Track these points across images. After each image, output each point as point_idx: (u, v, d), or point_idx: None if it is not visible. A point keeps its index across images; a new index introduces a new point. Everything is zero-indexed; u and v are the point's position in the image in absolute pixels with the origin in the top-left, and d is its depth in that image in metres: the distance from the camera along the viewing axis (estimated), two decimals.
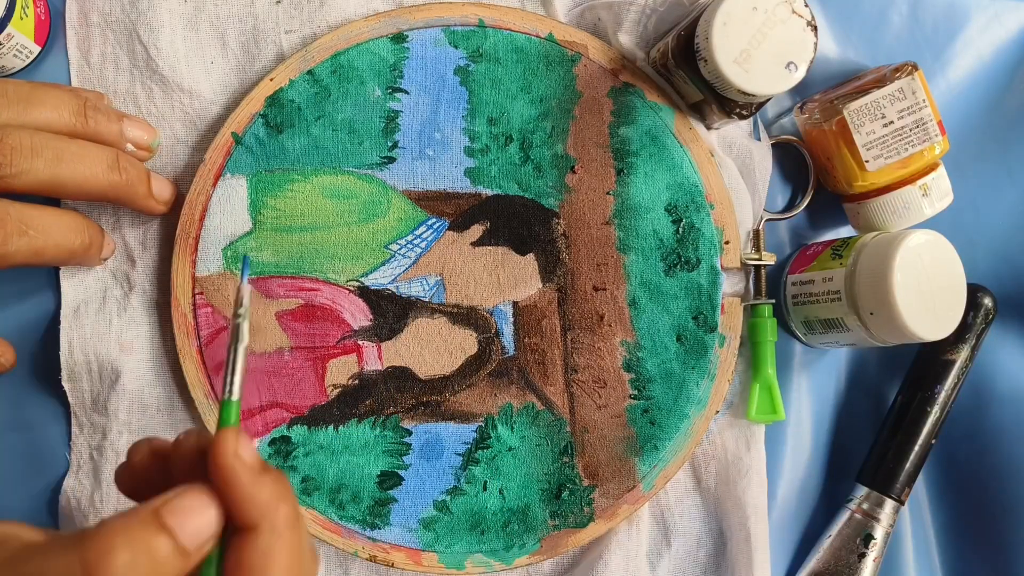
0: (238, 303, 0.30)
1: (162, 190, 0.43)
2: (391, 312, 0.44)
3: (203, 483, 0.28)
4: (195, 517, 0.27)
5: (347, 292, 0.44)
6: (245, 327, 0.30)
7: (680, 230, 0.46)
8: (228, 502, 0.28)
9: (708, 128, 0.46)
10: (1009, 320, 0.49)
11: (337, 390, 0.44)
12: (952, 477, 0.50)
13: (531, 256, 0.45)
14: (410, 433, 0.44)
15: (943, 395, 0.47)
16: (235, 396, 0.29)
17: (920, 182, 0.44)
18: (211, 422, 0.43)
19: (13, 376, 0.44)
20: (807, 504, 0.49)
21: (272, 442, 0.44)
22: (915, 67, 0.44)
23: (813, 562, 0.47)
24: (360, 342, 0.44)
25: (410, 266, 0.44)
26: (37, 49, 0.43)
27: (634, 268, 0.45)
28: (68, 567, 0.26)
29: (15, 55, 0.42)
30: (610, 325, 0.45)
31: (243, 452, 0.28)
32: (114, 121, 0.41)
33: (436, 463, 0.44)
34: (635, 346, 0.45)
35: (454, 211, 0.45)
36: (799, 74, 0.40)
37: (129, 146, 0.42)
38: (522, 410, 0.45)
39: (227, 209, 0.43)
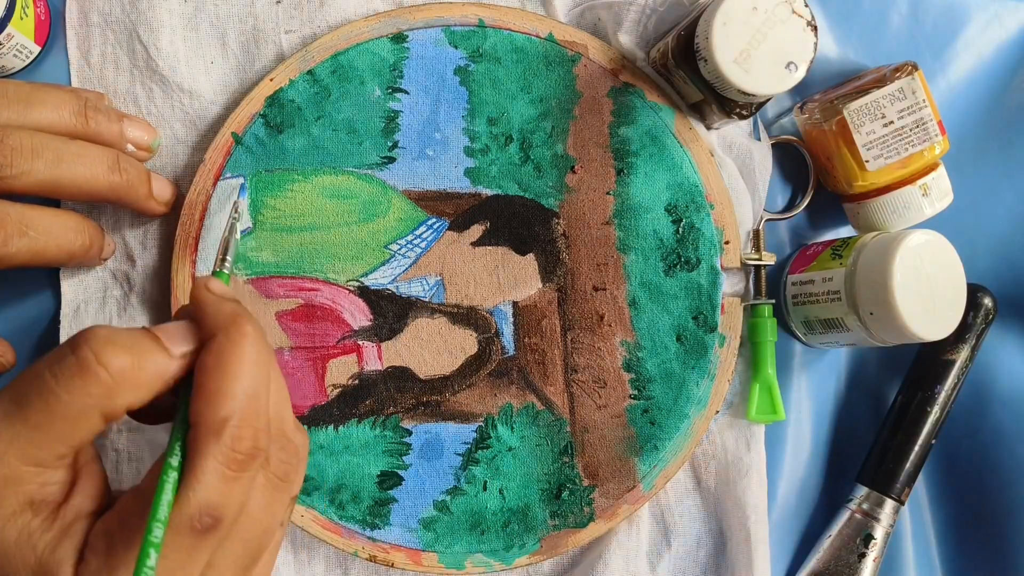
0: (234, 208, 0.39)
1: (163, 191, 0.43)
2: (391, 312, 0.44)
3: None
4: (176, 329, 0.33)
5: (347, 292, 0.44)
6: (237, 226, 0.38)
7: (680, 230, 0.46)
8: (198, 318, 0.33)
9: (708, 128, 0.46)
10: (1009, 320, 0.49)
11: (337, 390, 0.44)
12: (952, 477, 0.50)
13: (531, 256, 0.45)
14: (410, 433, 0.44)
15: (943, 395, 0.47)
16: (225, 269, 0.37)
17: (920, 182, 0.44)
18: None
19: (13, 375, 0.44)
20: (807, 504, 0.49)
21: None
22: (915, 67, 0.44)
23: (813, 562, 0.47)
24: (360, 342, 0.44)
25: (410, 266, 0.44)
26: (37, 49, 0.43)
27: (634, 268, 0.45)
28: (60, 357, 0.31)
29: (15, 55, 0.42)
30: (610, 325, 0.45)
31: (211, 284, 0.34)
32: (114, 121, 0.41)
33: (436, 463, 0.44)
34: (635, 346, 0.45)
35: (454, 211, 0.45)
36: (799, 74, 0.40)
37: (129, 146, 0.42)
38: (522, 410, 0.45)
39: (227, 209, 0.43)
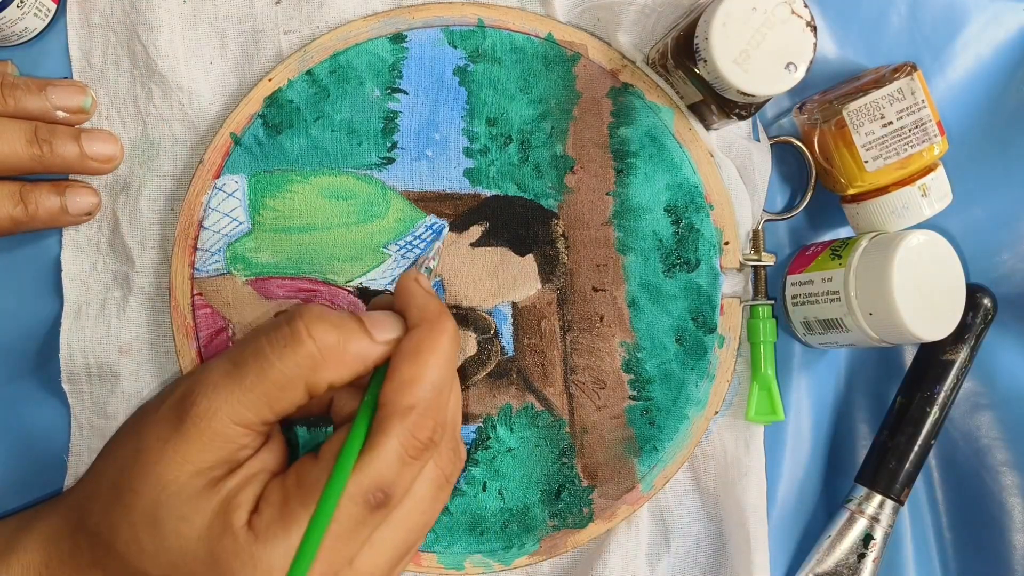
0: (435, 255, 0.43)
1: (101, 148, 0.43)
2: None
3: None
4: (381, 317, 0.36)
5: (346, 293, 0.44)
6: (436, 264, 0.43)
7: (679, 231, 0.46)
8: (404, 308, 0.36)
9: (707, 129, 0.46)
10: (1009, 320, 0.49)
11: None
12: (952, 477, 0.50)
13: (530, 257, 0.45)
14: None
15: (942, 395, 0.47)
16: (432, 265, 0.42)
17: (919, 182, 0.44)
18: None
19: (14, 377, 0.44)
20: (807, 504, 0.49)
21: None
22: (914, 67, 0.44)
23: (813, 562, 0.47)
24: None
25: (409, 267, 0.44)
26: (53, 7, 0.43)
27: (633, 269, 0.45)
28: (276, 327, 0.34)
29: (35, 14, 0.42)
30: (609, 326, 0.45)
31: (420, 279, 0.37)
32: (34, 93, 0.41)
33: None
34: (634, 347, 0.45)
35: (453, 212, 0.45)
36: (798, 74, 0.40)
37: (60, 113, 0.42)
38: (521, 411, 0.45)
39: (226, 210, 0.43)
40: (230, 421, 0.34)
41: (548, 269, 0.45)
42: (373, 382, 0.35)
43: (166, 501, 0.33)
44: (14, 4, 0.40)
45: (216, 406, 0.34)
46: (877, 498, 0.47)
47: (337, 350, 0.34)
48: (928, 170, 0.45)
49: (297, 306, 0.35)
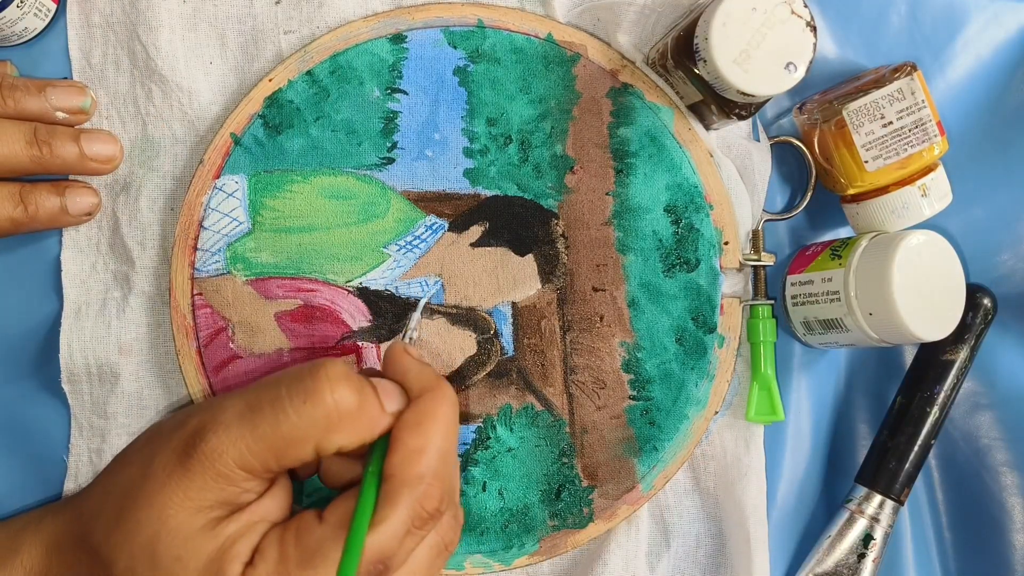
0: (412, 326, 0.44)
1: (100, 149, 0.42)
2: (390, 313, 0.44)
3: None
4: (391, 387, 0.36)
5: (346, 293, 0.44)
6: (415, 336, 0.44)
7: (679, 231, 0.46)
8: (403, 379, 0.36)
9: (707, 129, 0.46)
10: (1009, 320, 0.49)
11: None
12: (952, 477, 0.50)
13: (530, 257, 0.45)
14: None
15: (942, 395, 0.47)
16: (414, 336, 0.43)
17: (919, 182, 0.44)
18: None
19: (14, 377, 0.44)
20: (807, 504, 0.49)
21: None
22: (914, 67, 0.44)
23: (813, 562, 0.47)
24: (359, 343, 0.44)
25: (409, 267, 0.44)
26: (53, 8, 0.43)
27: (633, 269, 0.45)
28: (299, 379, 0.34)
29: (35, 14, 0.42)
30: (609, 326, 0.45)
31: (410, 349, 0.37)
32: (34, 93, 0.41)
33: None
34: (634, 347, 0.45)
35: (453, 212, 0.45)
36: (798, 74, 0.40)
37: (60, 114, 0.42)
38: (521, 411, 0.45)
39: (226, 210, 0.43)
40: (235, 465, 0.33)
41: (548, 269, 0.45)
42: (376, 452, 0.35)
43: (164, 537, 0.33)
44: (14, 4, 0.40)
45: (223, 448, 0.33)
46: (877, 498, 0.47)
47: (354, 415, 0.34)
48: (928, 170, 0.45)
49: (322, 360, 0.34)
